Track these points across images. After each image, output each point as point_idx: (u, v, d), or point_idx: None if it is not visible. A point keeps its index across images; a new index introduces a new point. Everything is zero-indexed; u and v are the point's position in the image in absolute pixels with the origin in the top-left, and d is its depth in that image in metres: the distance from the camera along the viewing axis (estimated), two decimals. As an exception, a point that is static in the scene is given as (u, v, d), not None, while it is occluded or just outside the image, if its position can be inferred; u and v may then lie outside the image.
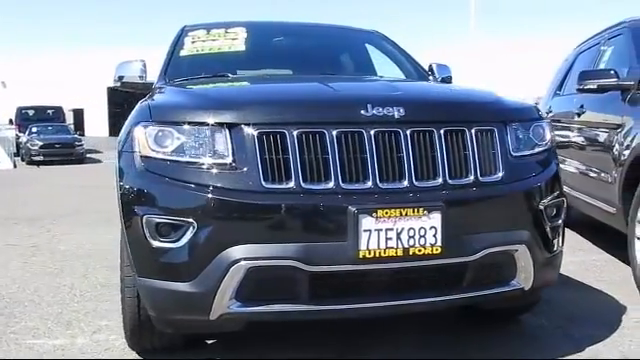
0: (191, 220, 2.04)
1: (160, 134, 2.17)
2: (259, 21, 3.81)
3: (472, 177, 2.16)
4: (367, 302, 2.12)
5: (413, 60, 3.72)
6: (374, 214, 1.99)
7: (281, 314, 2.10)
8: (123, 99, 19.30)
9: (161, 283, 2.10)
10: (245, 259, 1.99)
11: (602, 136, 3.81)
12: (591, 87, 3.76)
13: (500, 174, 2.21)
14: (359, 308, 2.12)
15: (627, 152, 3.36)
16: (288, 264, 1.99)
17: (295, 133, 2.05)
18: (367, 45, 3.92)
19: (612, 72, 3.68)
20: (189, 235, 2.04)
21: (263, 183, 2.02)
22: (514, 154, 2.28)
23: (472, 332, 2.78)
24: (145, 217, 2.09)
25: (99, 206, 6.96)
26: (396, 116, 2.11)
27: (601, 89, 3.72)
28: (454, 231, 2.06)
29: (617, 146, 3.52)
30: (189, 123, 2.14)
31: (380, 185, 2.05)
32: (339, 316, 2.20)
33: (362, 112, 2.10)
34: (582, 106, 4.31)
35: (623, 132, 3.47)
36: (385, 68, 3.75)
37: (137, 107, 2.45)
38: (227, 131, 2.09)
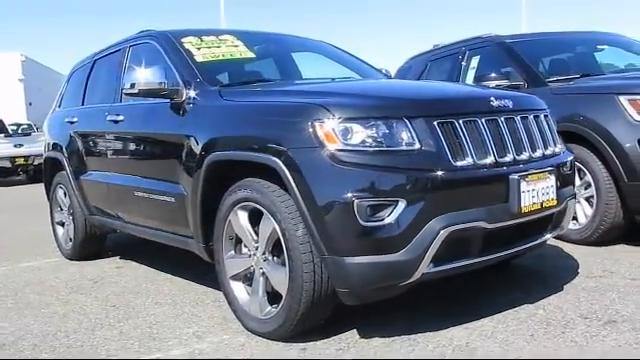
0: (399, 198, 2.39)
1: (345, 129, 2.45)
2: (241, 30, 4.00)
3: (552, 149, 2.95)
4: (510, 248, 2.75)
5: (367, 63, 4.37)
6: (527, 179, 2.63)
7: (457, 268, 2.59)
8: None
9: (371, 258, 2.40)
10: (447, 226, 2.43)
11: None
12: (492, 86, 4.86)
13: (560, 146, 3.05)
14: (505, 254, 2.74)
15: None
16: (477, 225, 2.51)
17: (461, 122, 2.57)
18: (323, 53, 4.41)
19: (504, 74, 4.84)
20: (398, 212, 2.39)
21: (453, 162, 2.49)
22: (555, 132, 3.14)
23: (482, 284, 3.48)
24: (356, 201, 2.37)
25: None
26: (510, 107, 2.78)
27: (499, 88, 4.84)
28: (557, 188, 2.82)
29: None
30: (373, 118, 2.47)
31: (516, 157, 2.70)
32: (491, 263, 2.76)
33: (492, 104, 2.72)
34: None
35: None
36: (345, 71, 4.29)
37: (294, 106, 2.64)
38: (408, 122, 2.49)
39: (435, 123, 2.51)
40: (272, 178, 2.66)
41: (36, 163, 14.92)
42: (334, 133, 2.44)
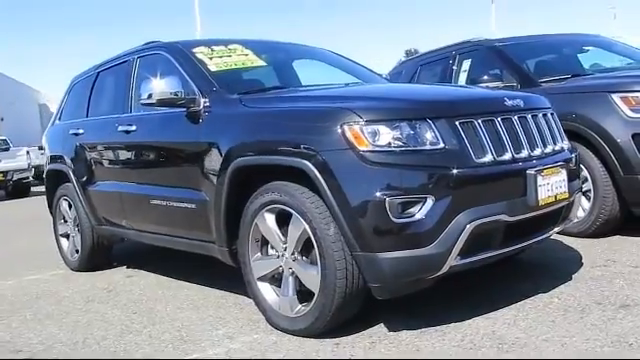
0: (427, 195, 2.52)
1: (373, 131, 2.58)
2: (247, 39, 4.09)
3: (560, 145, 3.11)
4: (527, 240, 2.90)
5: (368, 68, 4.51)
6: (542, 173, 2.79)
7: (481, 260, 2.73)
8: None
9: (403, 252, 2.52)
10: (472, 220, 2.57)
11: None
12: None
13: (566, 142, 3.22)
14: (522, 245, 2.90)
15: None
16: (500, 218, 2.65)
17: (480, 121, 2.71)
18: (325, 59, 4.53)
19: (497, 76, 5.03)
20: (427, 208, 2.52)
21: (475, 159, 2.63)
22: (561, 129, 3.31)
23: (490, 277, 3.58)
24: (388, 199, 2.49)
25: None
26: (522, 106, 2.94)
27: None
28: (567, 181, 2.98)
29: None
30: (399, 119, 2.60)
31: (530, 153, 2.85)
32: (509, 254, 2.91)
33: (506, 104, 2.87)
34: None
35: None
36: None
37: (323, 111, 2.74)
38: (432, 123, 2.62)
39: (457, 123, 2.65)
40: (300, 180, 2.77)
41: (15, 179, 14.75)
42: (363, 135, 2.56)
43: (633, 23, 62.54)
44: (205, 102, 3.34)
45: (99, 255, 4.80)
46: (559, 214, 3.08)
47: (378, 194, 2.50)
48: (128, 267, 4.87)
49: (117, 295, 4.03)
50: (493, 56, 5.39)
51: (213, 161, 3.19)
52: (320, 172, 2.61)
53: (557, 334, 2.60)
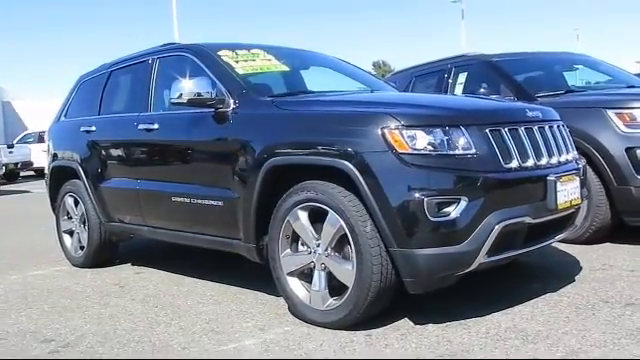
0: (461, 196, 2.71)
1: (411, 135, 2.76)
2: (266, 44, 4.23)
3: (571, 155, 3.35)
4: (543, 241, 3.12)
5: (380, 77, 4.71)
6: (561, 180, 3.01)
7: (505, 258, 2.94)
8: None
9: (438, 249, 2.70)
10: (501, 220, 2.77)
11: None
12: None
13: (576, 152, 3.46)
14: (538, 246, 3.11)
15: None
16: (524, 220, 2.86)
17: (506, 129, 2.92)
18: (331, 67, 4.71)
19: (495, 89, 5.29)
20: (461, 208, 2.71)
21: (503, 164, 2.83)
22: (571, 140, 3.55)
23: (497, 278, 3.84)
24: (426, 199, 2.67)
25: None
26: (540, 117, 3.16)
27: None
28: (579, 188, 3.22)
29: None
30: (435, 126, 2.79)
31: (549, 161, 3.08)
32: (527, 254, 3.12)
33: (527, 115, 3.09)
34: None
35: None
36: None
37: (363, 115, 2.91)
38: (464, 129, 2.81)
39: (487, 130, 2.85)
40: (334, 180, 2.92)
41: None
42: (403, 139, 2.74)
43: (595, 44, 65.22)
44: (235, 103, 3.47)
45: (106, 252, 4.84)
46: (569, 219, 3.31)
47: (417, 194, 2.68)
48: (133, 264, 4.92)
49: (132, 290, 4.10)
50: (490, 70, 5.65)
51: (243, 160, 3.32)
52: (360, 172, 2.77)
53: (575, 328, 2.81)
